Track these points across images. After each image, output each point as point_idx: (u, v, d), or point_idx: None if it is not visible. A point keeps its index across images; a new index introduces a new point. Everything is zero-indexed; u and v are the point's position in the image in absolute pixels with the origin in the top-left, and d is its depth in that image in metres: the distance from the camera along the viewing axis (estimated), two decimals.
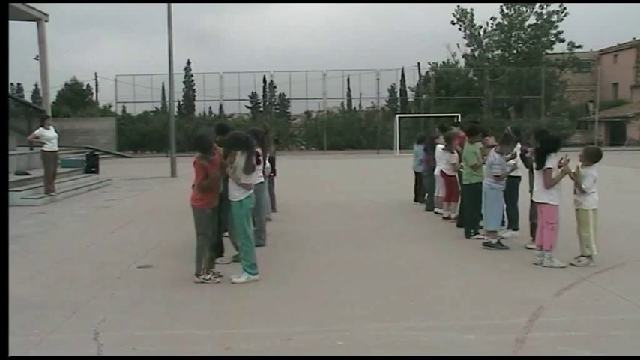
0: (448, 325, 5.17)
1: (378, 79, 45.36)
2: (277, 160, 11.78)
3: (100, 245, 9.05)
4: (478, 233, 8.96)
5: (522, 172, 8.98)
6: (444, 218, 10.89)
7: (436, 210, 11.48)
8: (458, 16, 46.40)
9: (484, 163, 8.75)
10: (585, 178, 7.20)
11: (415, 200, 13.30)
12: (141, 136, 42.14)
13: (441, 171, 11.05)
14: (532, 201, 8.36)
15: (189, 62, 51.82)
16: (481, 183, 8.69)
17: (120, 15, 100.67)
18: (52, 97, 38.54)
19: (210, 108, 48.62)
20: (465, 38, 47.24)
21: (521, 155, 8.91)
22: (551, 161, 7.17)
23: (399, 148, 37.05)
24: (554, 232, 7.26)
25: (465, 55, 48.15)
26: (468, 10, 46.22)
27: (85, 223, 11.18)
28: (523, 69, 44.55)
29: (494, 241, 8.34)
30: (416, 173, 13.20)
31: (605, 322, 5.23)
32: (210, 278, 6.64)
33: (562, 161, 7.30)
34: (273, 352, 4.64)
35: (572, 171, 7.30)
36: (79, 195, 15.88)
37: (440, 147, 10.99)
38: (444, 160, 10.83)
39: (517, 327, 5.07)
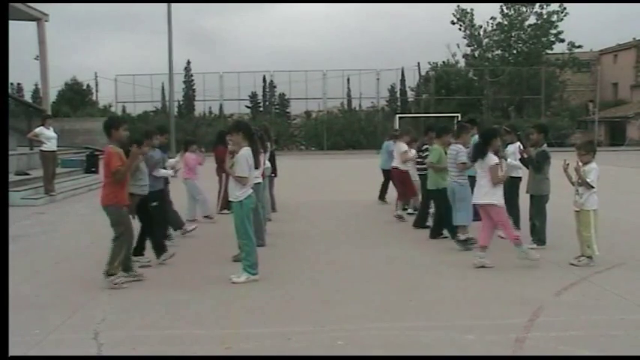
0: (448, 325, 5.17)
1: (378, 79, 45.45)
2: (277, 160, 11.77)
3: (100, 245, 8.99)
4: (442, 234, 8.90)
5: (522, 172, 8.99)
6: (395, 216, 10.84)
7: (409, 210, 11.26)
8: (458, 16, 46.46)
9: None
10: (590, 172, 7.20)
11: (379, 198, 13.27)
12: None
13: (395, 167, 11.16)
14: (531, 198, 8.37)
15: (189, 62, 51.86)
16: (446, 188, 8.52)
17: (120, 15, 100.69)
18: (52, 97, 38.52)
19: (210, 108, 48.77)
20: (465, 38, 47.34)
21: (521, 158, 8.91)
22: (493, 157, 7.18)
23: None
24: (508, 226, 7.34)
25: (465, 55, 48.21)
26: (468, 10, 46.32)
27: (85, 223, 11.17)
28: (523, 69, 44.58)
29: (462, 237, 8.20)
30: (384, 171, 13.00)
31: (605, 322, 5.23)
32: (117, 283, 6.40)
33: (563, 165, 7.32)
34: (273, 352, 4.64)
35: (574, 167, 7.28)
36: (79, 195, 15.87)
37: (402, 145, 11.05)
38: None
39: (517, 327, 5.07)
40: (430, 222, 9.59)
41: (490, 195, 7.17)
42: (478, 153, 7.30)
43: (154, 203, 7.73)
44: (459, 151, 8.25)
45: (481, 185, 7.27)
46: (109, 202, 6.44)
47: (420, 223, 9.92)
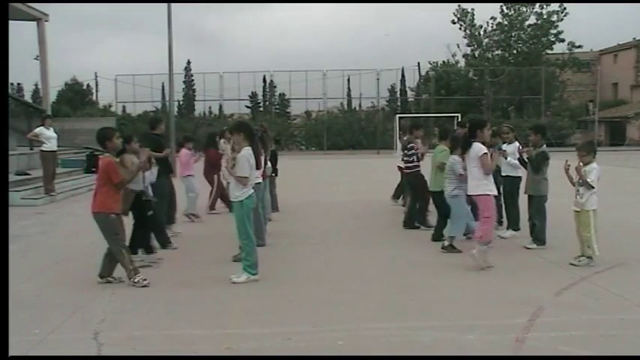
0: (448, 325, 5.17)
1: (378, 79, 45.37)
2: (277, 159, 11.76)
3: (100, 245, 8.98)
4: (442, 235, 8.82)
5: (522, 171, 9.00)
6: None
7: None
8: (458, 16, 46.39)
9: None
10: (591, 172, 7.19)
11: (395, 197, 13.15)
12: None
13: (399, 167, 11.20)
14: (529, 198, 8.37)
15: (189, 62, 51.92)
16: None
17: (120, 15, 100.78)
18: (52, 97, 38.55)
19: (210, 108, 48.75)
20: (465, 38, 47.24)
21: (519, 158, 8.91)
22: (481, 146, 7.16)
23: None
24: (490, 224, 7.20)
25: (465, 55, 48.12)
26: (469, 10, 46.26)
27: (85, 223, 11.10)
28: (523, 69, 44.54)
29: (447, 243, 8.21)
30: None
31: (605, 322, 5.23)
32: (139, 281, 6.44)
33: (564, 166, 7.32)
34: (273, 352, 4.64)
35: (575, 166, 7.27)
36: (79, 195, 15.85)
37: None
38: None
39: (517, 327, 5.07)
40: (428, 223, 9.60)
41: (482, 186, 7.17)
42: (465, 144, 7.33)
43: (150, 212, 7.87)
44: (454, 163, 8.18)
45: (473, 176, 7.26)
46: (98, 209, 6.47)
47: (409, 224, 9.99)
